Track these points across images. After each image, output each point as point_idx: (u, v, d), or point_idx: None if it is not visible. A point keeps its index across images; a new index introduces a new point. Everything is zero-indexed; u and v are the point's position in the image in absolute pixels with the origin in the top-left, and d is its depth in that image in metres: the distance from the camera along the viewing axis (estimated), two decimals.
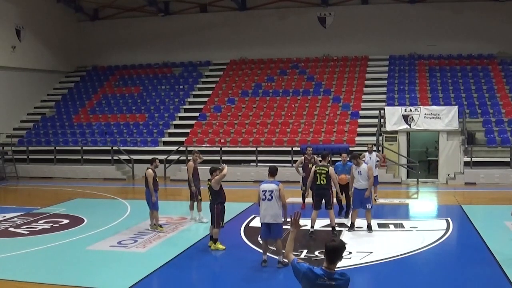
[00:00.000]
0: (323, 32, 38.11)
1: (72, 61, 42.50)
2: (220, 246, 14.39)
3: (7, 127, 35.17)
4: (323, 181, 15.65)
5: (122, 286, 11.67)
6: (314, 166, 16.61)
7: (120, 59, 41.73)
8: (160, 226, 17.03)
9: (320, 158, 17.50)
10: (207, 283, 12.35)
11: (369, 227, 16.17)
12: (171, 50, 40.72)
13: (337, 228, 16.14)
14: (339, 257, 6.48)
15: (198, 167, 18.10)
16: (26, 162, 32.53)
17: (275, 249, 13.07)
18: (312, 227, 15.84)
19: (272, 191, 12.66)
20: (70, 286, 11.85)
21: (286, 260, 11.71)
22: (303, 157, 20.14)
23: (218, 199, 14.19)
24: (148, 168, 17.24)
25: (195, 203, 17.99)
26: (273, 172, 13.14)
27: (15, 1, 35.79)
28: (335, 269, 6.46)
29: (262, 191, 12.79)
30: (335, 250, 6.46)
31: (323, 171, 15.67)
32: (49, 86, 40.85)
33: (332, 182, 15.80)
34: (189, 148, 29.43)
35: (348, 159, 18.44)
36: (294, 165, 19.65)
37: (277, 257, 12.90)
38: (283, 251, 12.16)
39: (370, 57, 37.48)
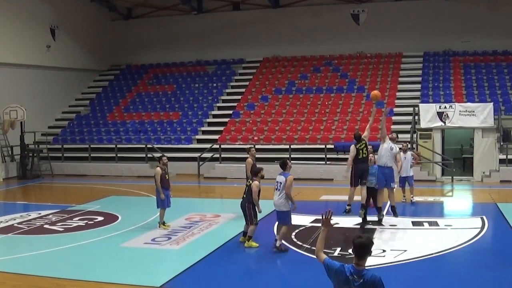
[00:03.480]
0: (356, 29, 37.89)
1: (106, 59, 42.85)
2: (254, 244, 14.39)
3: (42, 126, 35.59)
4: (365, 154, 16.54)
5: (156, 283, 11.71)
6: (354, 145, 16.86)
7: (154, 58, 41.93)
8: (164, 223, 17.10)
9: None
10: (241, 280, 12.34)
11: (394, 211, 16.25)
12: (204, 48, 40.79)
13: (369, 225, 16.06)
14: (368, 253, 6.49)
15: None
16: (61, 160, 32.85)
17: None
18: (349, 205, 16.53)
19: (280, 183, 13.95)
20: (105, 283, 11.94)
21: (281, 247, 13.98)
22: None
23: (250, 199, 14.22)
24: (157, 166, 17.31)
25: None
26: (281, 166, 14.40)
27: (49, 1, 36.16)
28: (365, 266, 6.47)
29: (275, 182, 14.16)
30: (363, 246, 6.47)
31: (362, 145, 16.58)
32: (83, 84, 41.23)
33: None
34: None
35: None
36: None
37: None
38: (279, 239, 14.04)
39: (404, 54, 37.16)
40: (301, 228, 15.88)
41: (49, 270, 12.93)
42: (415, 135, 28.21)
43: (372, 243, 6.58)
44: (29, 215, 19.79)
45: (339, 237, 15.03)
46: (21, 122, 31.16)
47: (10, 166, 31.63)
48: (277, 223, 15.14)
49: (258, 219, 14.55)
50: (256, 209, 14.26)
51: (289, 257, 13.61)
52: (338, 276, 6.50)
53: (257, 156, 25.20)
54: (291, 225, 14.54)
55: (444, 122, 28.12)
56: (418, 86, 33.60)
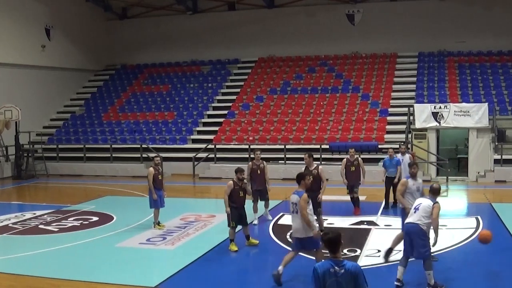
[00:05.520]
0: (351, 29, 37.92)
1: (101, 59, 42.80)
2: (234, 248, 14.38)
3: (37, 126, 35.50)
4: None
5: (151, 283, 11.74)
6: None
7: (149, 58, 41.91)
8: (159, 223, 17.11)
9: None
10: (235, 280, 12.35)
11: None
12: (200, 48, 40.79)
13: (365, 226, 16.08)
14: (339, 245, 7.01)
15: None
16: (56, 160, 32.80)
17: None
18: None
19: (295, 203, 11.73)
20: (100, 283, 11.96)
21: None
22: (345, 160, 19.16)
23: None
24: (149, 167, 17.33)
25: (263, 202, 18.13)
26: (297, 179, 12.12)
27: (44, 1, 36.10)
28: (342, 258, 7.02)
29: (290, 203, 11.99)
30: (332, 241, 7.02)
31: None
32: (78, 84, 41.17)
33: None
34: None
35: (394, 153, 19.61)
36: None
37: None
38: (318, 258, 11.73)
39: (399, 54, 37.21)
40: None
41: (44, 270, 12.94)
42: (410, 135, 28.24)
43: (340, 235, 7.05)
44: (24, 215, 19.79)
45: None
46: (16, 122, 31.11)
47: (4, 166, 31.61)
48: (293, 251, 12.14)
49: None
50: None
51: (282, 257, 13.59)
52: (323, 276, 6.92)
53: (252, 156, 25.28)
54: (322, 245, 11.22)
55: (439, 122, 28.19)
56: (413, 86, 33.65)
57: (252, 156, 18.99)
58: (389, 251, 12.86)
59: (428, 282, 11.06)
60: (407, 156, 20.26)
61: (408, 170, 13.79)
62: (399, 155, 19.78)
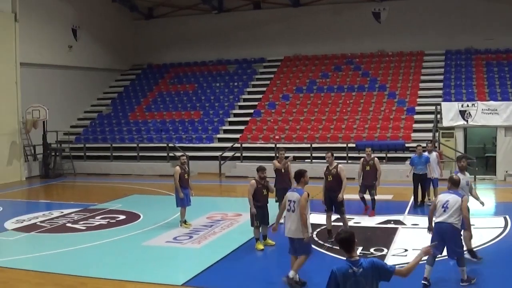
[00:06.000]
0: (377, 27, 37.70)
1: (128, 59, 43.05)
2: (260, 246, 14.36)
3: (64, 125, 35.77)
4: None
5: (177, 282, 11.80)
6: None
7: (175, 57, 42.04)
8: (185, 222, 17.14)
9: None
10: (261, 278, 12.34)
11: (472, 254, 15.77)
12: (225, 47, 40.85)
13: (392, 225, 15.99)
14: (353, 244, 6.90)
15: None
16: (83, 159, 33.05)
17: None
18: None
19: (294, 201, 11.27)
20: (126, 281, 12.03)
21: (295, 280, 11.27)
22: (362, 159, 18.92)
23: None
24: (176, 165, 17.36)
25: None
26: (296, 177, 11.69)
27: (71, 2, 36.42)
28: (358, 257, 6.88)
29: (287, 200, 11.48)
30: (346, 240, 6.92)
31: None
32: (105, 84, 41.48)
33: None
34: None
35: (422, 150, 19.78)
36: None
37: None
38: (294, 270, 11.33)
39: (425, 52, 36.90)
40: (322, 227, 15.79)
41: (72, 268, 13.03)
42: (437, 134, 28.03)
43: (353, 234, 6.98)
44: (52, 214, 19.95)
45: (361, 236, 14.97)
46: (43, 122, 31.38)
47: (32, 165, 31.91)
48: (289, 252, 11.78)
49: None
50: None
51: (310, 256, 13.57)
52: (341, 277, 6.78)
53: (277, 155, 25.13)
54: (312, 253, 11.84)
55: (467, 121, 27.89)
56: (440, 84, 33.36)
57: (277, 155, 18.81)
58: (471, 252, 12.77)
59: (462, 277, 11.08)
60: (434, 154, 20.10)
61: (457, 163, 13.77)
62: (425, 154, 19.67)
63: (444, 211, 11.04)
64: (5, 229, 17.73)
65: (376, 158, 18.62)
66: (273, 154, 28.26)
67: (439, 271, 11.47)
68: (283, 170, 17.02)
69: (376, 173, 18.29)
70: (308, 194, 11.27)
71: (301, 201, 11.13)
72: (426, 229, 11.68)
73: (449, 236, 10.95)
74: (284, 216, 11.74)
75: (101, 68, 40.22)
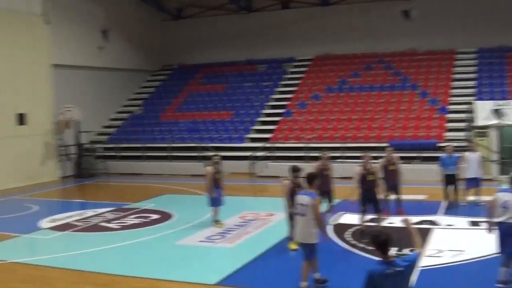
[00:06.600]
0: (408, 26, 37.33)
1: (158, 60, 43.28)
2: (293, 246, 13.98)
3: (97, 125, 36.13)
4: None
5: (211, 281, 11.83)
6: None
7: (204, 57, 42.10)
8: (217, 221, 17.19)
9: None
10: (294, 278, 12.33)
11: None
12: (255, 47, 40.84)
13: (426, 225, 15.90)
14: (389, 246, 7.02)
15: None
16: (116, 159, 33.32)
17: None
18: None
19: (306, 205, 10.94)
20: (160, 280, 12.12)
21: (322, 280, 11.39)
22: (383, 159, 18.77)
23: None
24: (208, 165, 17.48)
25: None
26: (308, 179, 11.38)
27: (101, 4, 36.76)
28: (393, 258, 6.99)
29: (297, 204, 11.21)
30: (385, 242, 7.04)
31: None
32: (136, 85, 41.74)
33: None
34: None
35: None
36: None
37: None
38: (303, 280, 11.18)
39: (457, 50, 36.51)
40: (356, 227, 15.74)
41: (106, 266, 13.18)
42: (471, 133, 27.77)
43: (390, 236, 7.16)
44: (86, 213, 20.19)
45: (395, 237, 14.87)
46: (76, 122, 31.70)
47: (66, 165, 32.27)
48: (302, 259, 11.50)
49: None
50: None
51: (342, 256, 13.57)
52: (379, 279, 6.83)
53: (310, 155, 25.16)
54: (317, 259, 11.54)
55: (501, 120, 27.59)
56: (473, 83, 32.99)
57: (317, 155, 18.64)
58: None
59: (500, 278, 10.88)
60: (477, 154, 19.74)
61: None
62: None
63: (505, 210, 10.79)
64: (40, 227, 17.99)
65: (396, 157, 18.41)
66: (304, 154, 28.24)
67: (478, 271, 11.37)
68: (324, 172, 16.76)
69: (397, 172, 18.08)
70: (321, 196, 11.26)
71: (315, 206, 10.89)
72: (487, 230, 11.46)
73: (509, 236, 10.70)
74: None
75: (132, 69, 40.50)
